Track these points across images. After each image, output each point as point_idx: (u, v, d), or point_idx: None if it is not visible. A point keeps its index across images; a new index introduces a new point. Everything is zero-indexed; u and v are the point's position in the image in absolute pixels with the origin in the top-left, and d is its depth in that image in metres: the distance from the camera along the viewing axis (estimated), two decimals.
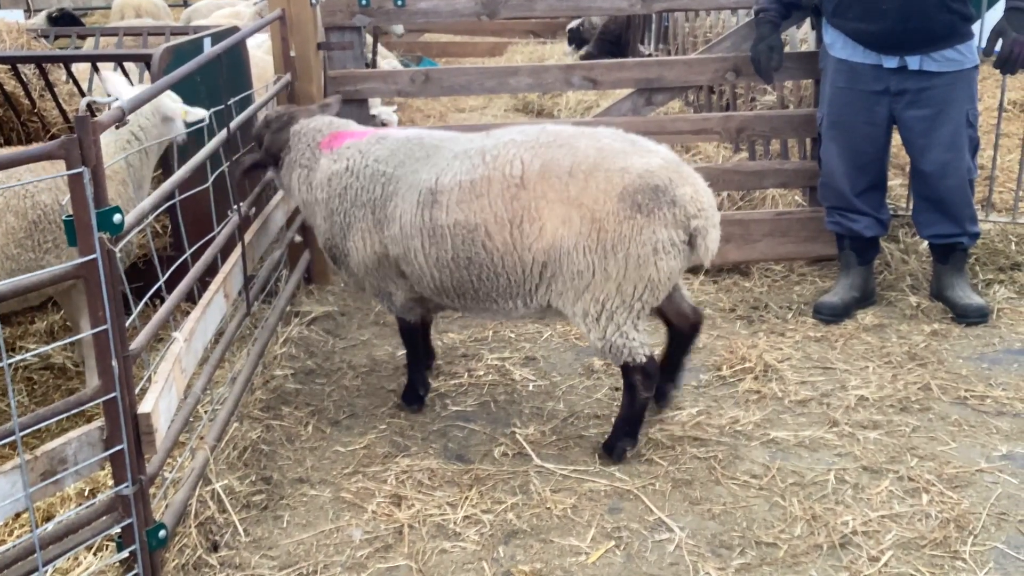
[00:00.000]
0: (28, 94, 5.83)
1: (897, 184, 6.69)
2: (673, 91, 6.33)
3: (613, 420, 4.27)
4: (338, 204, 4.27)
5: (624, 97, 6.23)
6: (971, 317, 5.28)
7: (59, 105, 5.81)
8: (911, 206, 5.71)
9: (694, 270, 5.60)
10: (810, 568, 3.44)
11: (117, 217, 2.89)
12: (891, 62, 5.14)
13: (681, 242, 3.80)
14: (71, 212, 2.82)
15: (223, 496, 3.76)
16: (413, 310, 4.46)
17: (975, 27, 5.22)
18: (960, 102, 5.17)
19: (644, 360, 3.97)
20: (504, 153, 3.93)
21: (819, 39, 5.63)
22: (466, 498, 3.87)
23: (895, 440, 4.21)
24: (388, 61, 10.25)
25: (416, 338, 4.63)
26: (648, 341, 3.98)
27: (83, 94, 5.76)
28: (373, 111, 8.90)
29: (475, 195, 3.89)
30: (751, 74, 5.82)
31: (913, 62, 5.10)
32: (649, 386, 4.06)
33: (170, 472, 3.83)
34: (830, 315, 5.40)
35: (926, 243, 5.69)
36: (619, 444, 4.11)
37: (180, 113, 4.75)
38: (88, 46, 7.94)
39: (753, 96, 7.89)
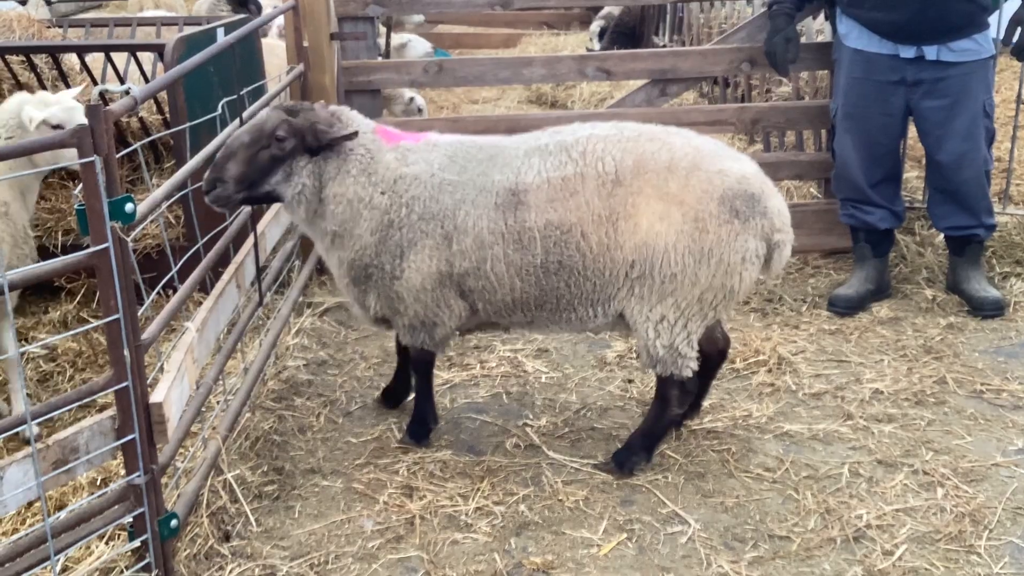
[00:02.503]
0: (42, 84, 5.83)
1: (913, 176, 6.64)
2: (688, 82, 6.31)
3: (626, 409, 4.26)
4: (404, 215, 3.74)
5: (638, 88, 6.21)
6: (987, 310, 5.24)
7: None
8: (927, 198, 5.67)
9: None
10: (823, 561, 3.42)
11: (129, 206, 2.89)
12: (908, 52, 5.10)
13: (763, 254, 3.71)
14: (83, 201, 2.82)
15: (235, 486, 3.76)
16: (445, 343, 4.09)
17: (992, 18, 5.17)
18: (977, 92, 5.13)
19: (689, 375, 3.84)
20: (591, 148, 3.70)
21: (834, 29, 5.59)
22: (478, 489, 3.86)
23: (910, 434, 4.18)
24: (408, 38, 10.21)
25: (432, 369, 4.22)
26: (696, 355, 3.85)
27: (96, 84, 5.76)
28: (408, 94, 8.82)
29: (568, 192, 3.64)
30: (767, 65, 5.78)
31: (930, 52, 5.05)
32: (683, 403, 3.96)
33: (182, 462, 3.83)
34: (845, 308, 5.37)
35: (942, 236, 5.64)
36: (634, 458, 3.96)
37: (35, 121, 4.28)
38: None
39: (768, 88, 7.84)
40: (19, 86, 5.86)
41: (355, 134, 3.78)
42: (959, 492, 3.77)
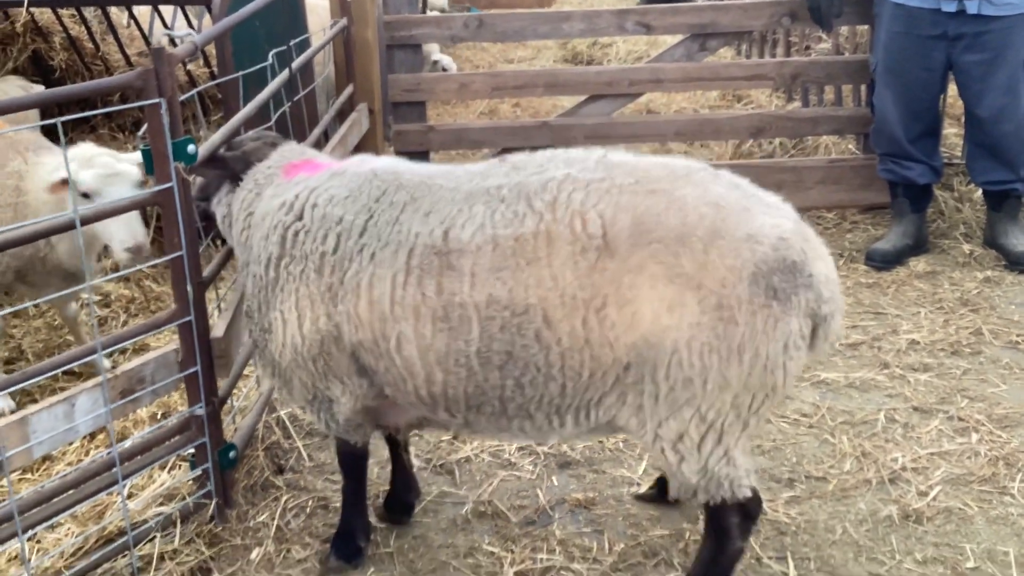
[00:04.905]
0: (92, 37, 5.95)
1: (952, 133, 6.64)
2: (727, 36, 6.33)
3: None
4: (256, 254, 2.96)
5: (677, 43, 6.24)
6: None
7: (121, 48, 5.93)
8: (965, 153, 5.69)
9: None
10: (859, 501, 3.51)
11: (191, 148, 3.01)
12: (949, 6, 5.10)
13: (808, 335, 2.71)
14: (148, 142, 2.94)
15: (288, 423, 3.90)
16: (361, 428, 3.12)
17: None
18: (1018, 47, 5.13)
19: (747, 495, 2.83)
20: (565, 197, 2.67)
21: None
22: None
23: (945, 382, 4.25)
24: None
25: (362, 468, 3.29)
26: (752, 467, 2.86)
27: (145, 37, 5.88)
28: (433, 57, 8.96)
29: (524, 259, 2.63)
30: (807, 20, 5.80)
31: (972, 6, 5.05)
32: (748, 531, 2.98)
33: (237, 401, 3.97)
34: (882, 262, 5.42)
35: (980, 192, 5.66)
36: None
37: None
38: None
39: (808, 44, 7.83)
40: (70, 40, 5.98)
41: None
42: (993, 437, 3.84)
